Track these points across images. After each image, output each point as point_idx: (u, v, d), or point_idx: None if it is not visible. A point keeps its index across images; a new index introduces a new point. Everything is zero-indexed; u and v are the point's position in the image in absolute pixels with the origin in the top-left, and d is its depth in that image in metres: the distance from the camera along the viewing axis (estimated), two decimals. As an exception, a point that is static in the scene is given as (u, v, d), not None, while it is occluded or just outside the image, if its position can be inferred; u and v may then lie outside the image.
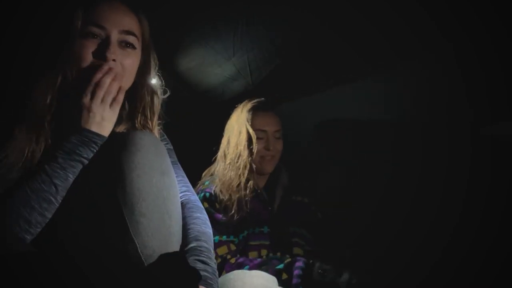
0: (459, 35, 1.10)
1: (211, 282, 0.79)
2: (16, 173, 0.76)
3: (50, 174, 0.75)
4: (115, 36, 0.84)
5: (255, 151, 1.37)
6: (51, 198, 0.74)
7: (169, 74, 1.53)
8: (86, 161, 0.78)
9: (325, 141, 1.59)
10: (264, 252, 1.31)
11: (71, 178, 0.77)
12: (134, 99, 0.95)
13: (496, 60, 1.10)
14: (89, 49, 0.82)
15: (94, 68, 0.81)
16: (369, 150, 1.47)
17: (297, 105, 1.62)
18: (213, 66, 1.50)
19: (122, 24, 0.86)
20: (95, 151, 0.80)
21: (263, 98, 1.46)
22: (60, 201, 0.75)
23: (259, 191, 1.42)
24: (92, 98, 0.80)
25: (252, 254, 1.30)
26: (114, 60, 0.84)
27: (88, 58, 0.82)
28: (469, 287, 1.09)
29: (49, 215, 0.74)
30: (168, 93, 1.04)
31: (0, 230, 0.69)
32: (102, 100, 0.81)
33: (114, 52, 0.84)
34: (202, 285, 0.77)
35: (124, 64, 0.87)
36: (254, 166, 1.39)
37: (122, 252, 0.70)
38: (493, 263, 1.10)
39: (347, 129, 1.52)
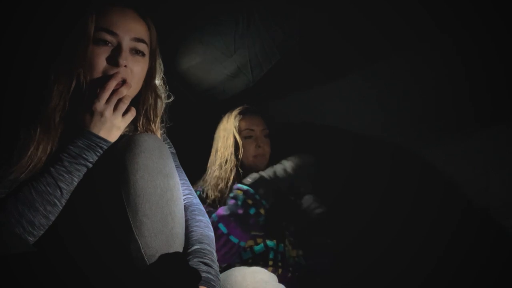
0: (458, 30, 1.10)
1: (214, 284, 0.79)
2: (22, 175, 0.76)
3: (55, 177, 0.76)
4: (126, 43, 0.87)
5: (241, 155, 1.49)
6: (56, 201, 0.75)
7: (170, 73, 1.53)
8: (91, 165, 0.80)
9: (322, 141, 1.60)
10: (259, 240, 1.35)
11: (76, 181, 0.78)
12: (138, 102, 0.96)
13: (497, 57, 1.10)
14: (102, 55, 0.84)
15: (107, 74, 0.84)
16: (368, 150, 1.47)
17: (294, 103, 1.62)
18: (214, 63, 1.50)
19: (134, 32, 0.88)
20: (99, 155, 0.81)
21: (246, 105, 1.58)
22: (64, 204, 0.77)
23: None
24: (105, 104, 0.82)
25: (249, 242, 1.34)
26: (125, 66, 0.86)
27: (101, 64, 0.84)
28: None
29: (53, 218, 0.75)
30: (172, 98, 1.06)
31: (4, 231, 0.70)
32: (116, 108, 0.83)
33: (126, 58, 0.86)
34: (205, 287, 0.78)
35: (134, 71, 0.88)
36: (246, 165, 1.51)
37: (125, 252, 0.71)
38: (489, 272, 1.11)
39: (345, 128, 1.53)
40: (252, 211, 1.29)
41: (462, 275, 1.17)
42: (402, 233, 1.30)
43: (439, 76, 1.22)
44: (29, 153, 0.77)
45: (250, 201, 1.30)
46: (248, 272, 0.99)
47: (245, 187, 1.34)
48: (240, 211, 1.28)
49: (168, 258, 0.73)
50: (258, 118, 1.57)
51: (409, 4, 1.08)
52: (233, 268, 1.03)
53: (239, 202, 1.30)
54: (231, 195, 1.35)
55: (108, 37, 0.84)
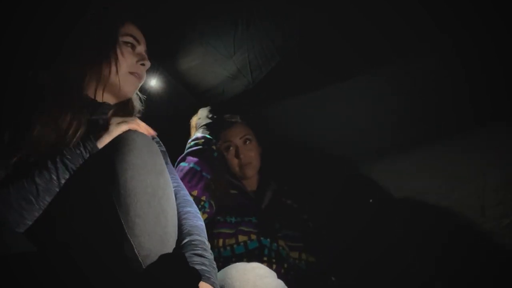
0: (458, 30, 1.10)
1: (208, 275, 0.80)
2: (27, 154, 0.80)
3: (34, 173, 0.75)
4: (144, 47, 1.07)
5: (230, 164, 1.52)
6: (31, 198, 0.74)
7: (170, 74, 1.54)
8: (72, 166, 0.79)
9: (320, 142, 1.60)
10: (253, 236, 1.35)
11: (55, 180, 0.76)
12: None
13: (496, 58, 1.10)
14: (131, 53, 1.03)
15: (134, 70, 1.02)
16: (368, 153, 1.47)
17: (293, 105, 1.63)
18: (213, 65, 1.50)
19: (144, 40, 1.08)
20: (85, 158, 0.81)
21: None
22: (42, 205, 0.75)
23: (245, 192, 1.51)
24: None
25: (242, 238, 1.34)
26: (144, 65, 1.05)
27: (131, 60, 1.02)
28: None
29: (28, 216, 0.74)
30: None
31: (4, 231, 0.70)
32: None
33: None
34: (200, 280, 0.77)
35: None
36: (237, 174, 1.53)
37: (119, 252, 0.70)
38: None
39: (345, 129, 1.53)
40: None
41: (460, 276, 1.17)
42: (400, 233, 1.30)
43: (438, 78, 1.22)
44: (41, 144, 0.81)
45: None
46: (248, 268, 0.99)
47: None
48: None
49: (163, 258, 0.72)
50: (234, 127, 1.56)
51: (409, 4, 1.07)
52: (233, 264, 1.03)
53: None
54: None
55: (135, 42, 1.04)
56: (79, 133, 0.86)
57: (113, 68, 0.97)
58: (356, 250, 1.35)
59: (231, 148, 1.53)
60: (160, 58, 1.09)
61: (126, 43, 1.02)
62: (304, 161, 1.64)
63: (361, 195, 1.47)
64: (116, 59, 0.98)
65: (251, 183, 1.57)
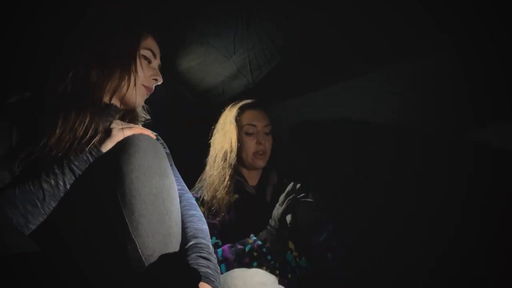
0: (458, 30, 1.10)
1: (213, 279, 0.80)
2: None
3: (41, 177, 0.76)
4: (158, 62, 1.10)
5: (244, 148, 1.43)
6: (37, 202, 0.74)
7: (170, 74, 1.53)
8: (79, 171, 0.79)
9: (321, 142, 1.59)
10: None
11: (61, 186, 0.77)
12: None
13: (496, 58, 1.10)
14: (147, 67, 1.04)
15: (148, 84, 1.04)
16: (368, 152, 1.47)
17: (293, 105, 1.62)
18: (213, 64, 1.49)
19: (159, 55, 1.10)
20: (90, 162, 0.81)
21: (250, 100, 1.52)
22: (48, 210, 0.76)
23: (246, 190, 1.46)
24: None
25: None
26: (157, 80, 1.07)
27: (147, 74, 1.04)
28: None
29: (32, 221, 0.74)
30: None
31: (4, 231, 0.69)
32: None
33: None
34: (204, 282, 0.78)
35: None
36: (245, 162, 1.46)
37: (123, 252, 0.71)
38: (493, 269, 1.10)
39: (345, 129, 1.53)
40: (254, 264, 1.23)
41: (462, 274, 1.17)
42: (403, 231, 1.30)
43: (438, 78, 1.23)
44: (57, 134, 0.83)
45: (255, 253, 1.24)
46: (248, 274, 0.99)
47: (253, 238, 1.28)
48: (246, 260, 1.23)
49: (166, 258, 0.73)
50: (261, 113, 1.49)
51: (409, 4, 1.08)
52: (233, 270, 1.02)
53: (246, 249, 1.24)
54: (241, 240, 1.28)
55: (152, 57, 1.06)
56: (94, 140, 0.85)
57: (132, 81, 0.98)
58: (357, 249, 1.35)
59: (253, 133, 1.45)
60: (160, 58, 1.09)
61: (144, 56, 1.04)
62: (304, 161, 1.64)
63: (361, 195, 1.47)
64: (136, 72, 0.99)
65: (254, 177, 1.52)
